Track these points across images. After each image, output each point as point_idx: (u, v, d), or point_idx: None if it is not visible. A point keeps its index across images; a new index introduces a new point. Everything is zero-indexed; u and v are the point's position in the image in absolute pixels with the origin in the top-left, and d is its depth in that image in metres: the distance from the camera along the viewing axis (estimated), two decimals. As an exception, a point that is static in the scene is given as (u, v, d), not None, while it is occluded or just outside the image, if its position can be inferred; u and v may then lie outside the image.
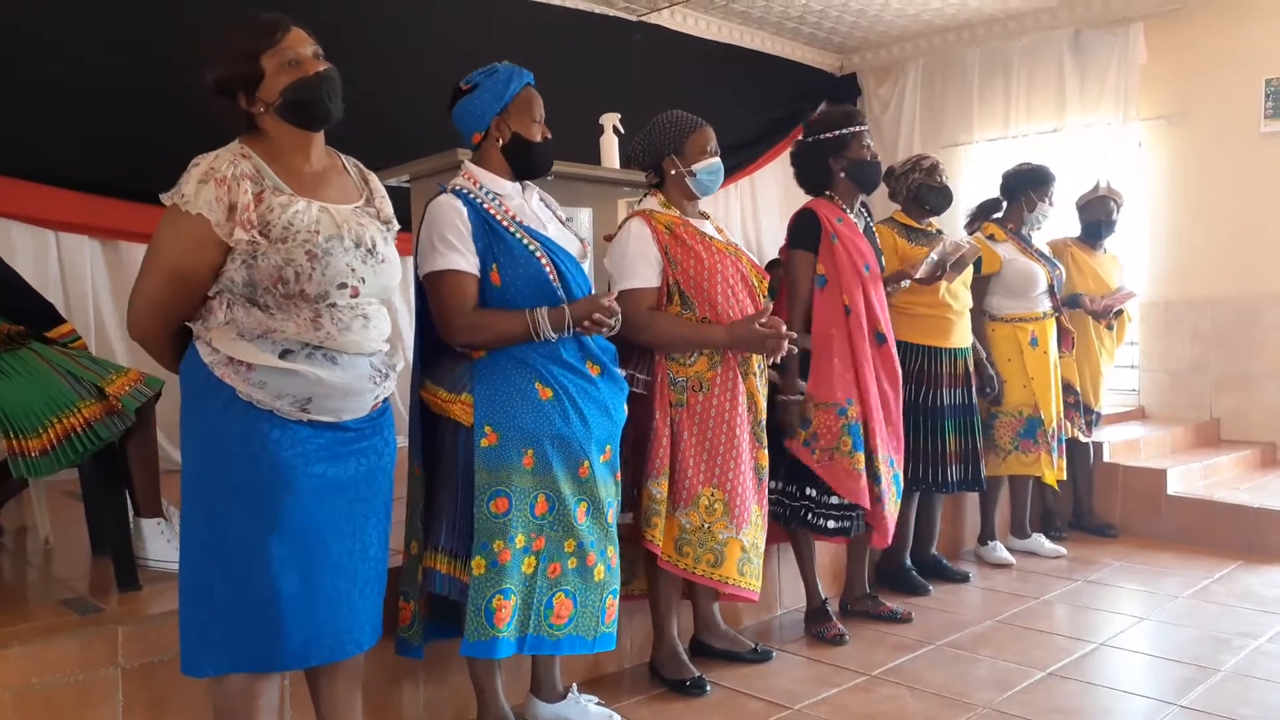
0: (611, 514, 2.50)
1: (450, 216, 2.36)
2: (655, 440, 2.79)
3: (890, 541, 3.43)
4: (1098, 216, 4.79)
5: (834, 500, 3.27)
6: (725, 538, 2.83)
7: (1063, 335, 4.48)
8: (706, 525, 2.82)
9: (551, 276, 2.39)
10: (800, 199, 3.52)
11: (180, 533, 1.98)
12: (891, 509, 3.36)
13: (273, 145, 1.94)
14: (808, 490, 3.29)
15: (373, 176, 2.12)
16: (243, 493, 1.89)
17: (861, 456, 3.23)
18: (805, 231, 3.33)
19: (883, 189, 3.86)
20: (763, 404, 2.94)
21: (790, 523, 3.34)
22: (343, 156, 2.10)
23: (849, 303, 3.27)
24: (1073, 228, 4.94)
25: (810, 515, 3.29)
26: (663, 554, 2.81)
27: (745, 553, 2.86)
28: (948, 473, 3.86)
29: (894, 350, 3.39)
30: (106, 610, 2.33)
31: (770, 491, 3.27)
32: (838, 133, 3.33)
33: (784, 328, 2.80)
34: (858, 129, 3.33)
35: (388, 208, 2.09)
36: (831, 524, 3.28)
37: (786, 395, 3.24)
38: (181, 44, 4.16)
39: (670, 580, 2.93)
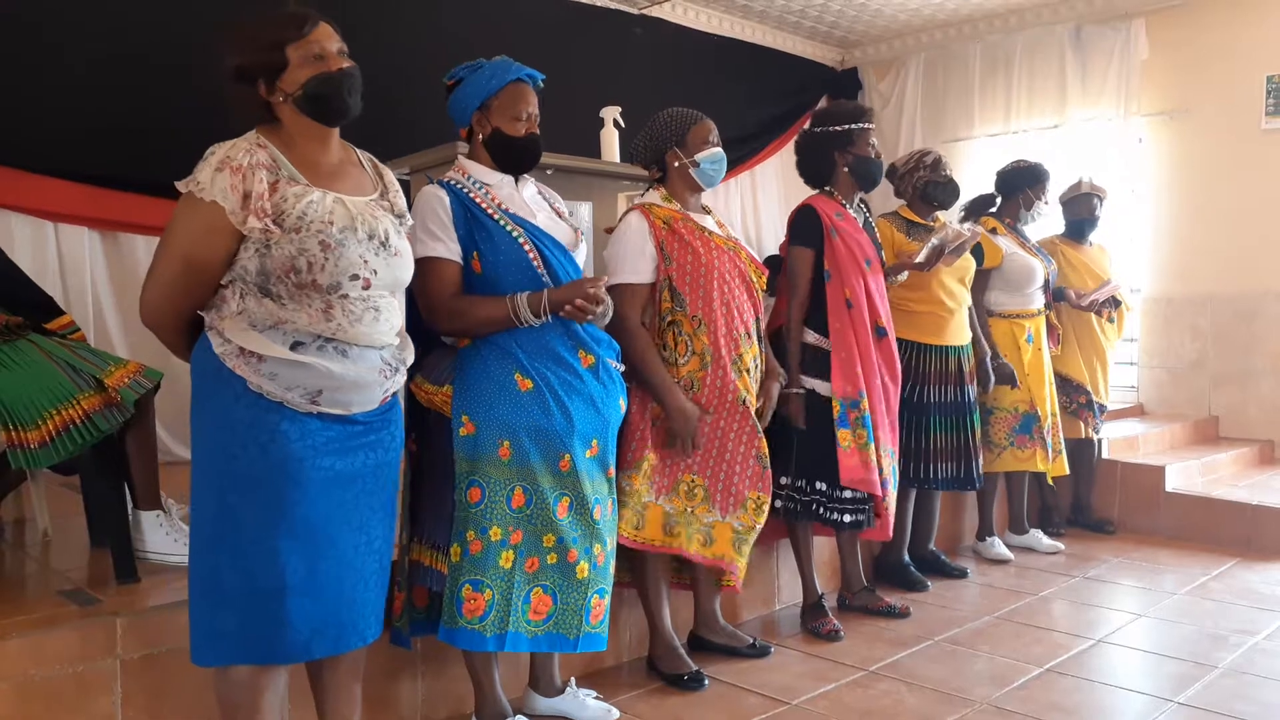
0: (599, 510, 2.46)
1: (432, 205, 2.38)
2: (630, 433, 2.78)
3: (892, 534, 3.45)
4: (1080, 214, 4.78)
5: (846, 494, 3.28)
6: (710, 520, 2.85)
7: (1050, 330, 4.49)
8: (689, 509, 2.84)
9: (536, 263, 2.39)
10: (801, 193, 3.53)
11: (190, 523, 1.99)
12: (891, 501, 3.38)
13: (289, 136, 1.96)
14: (818, 485, 3.29)
15: (387, 171, 2.13)
16: (251, 484, 1.89)
17: (874, 448, 3.26)
18: (806, 228, 3.35)
19: (886, 186, 3.87)
20: (754, 394, 2.93)
21: (801, 518, 3.34)
22: (358, 151, 2.11)
23: (850, 296, 3.29)
24: (1057, 225, 4.91)
25: (823, 510, 3.30)
26: (653, 541, 2.81)
27: (738, 534, 2.88)
28: (937, 469, 3.87)
29: (894, 344, 3.40)
30: (105, 602, 2.33)
31: (781, 487, 3.29)
32: (845, 127, 3.35)
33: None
34: (865, 126, 3.36)
35: (401, 201, 2.09)
36: (847, 518, 3.30)
37: (789, 389, 3.24)
38: (182, 36, 4.18)
39: (655, 573, 2.93)
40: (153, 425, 2.73)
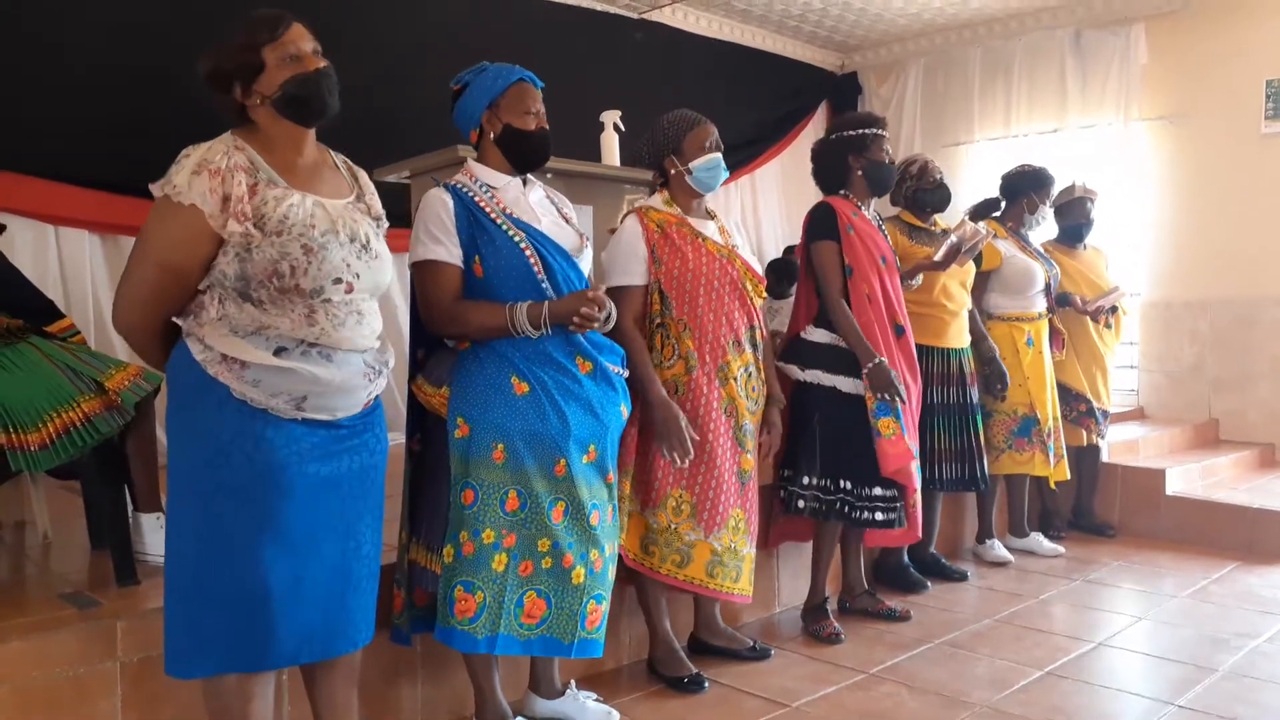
0: (597, 516, 2.44)
1: (435, 208, 2.38)
2: (620, 439, 2.77)
3: (920, 535, 3.45)
4: (1077, 219, 4.74)
5: (875, 491, 3.29)
6: (692, 539, 2.83)
7: (1053, 335, 4.49)
8: (673, 526, 2.83)
9: (536, 269, 2.38)
10: (800, 196, 3.58)
11: (167, 532, 1.95)
12: (917, 500, 3.39)
13: (265, 138, 1.94)
14: (843, 484, 3.30)
15: (361, 173, 2.12)
16: (236, 492, 1.87)
17: (907, 439, 3.28)
18: (824, 223, 3.38)
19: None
20: (745, 408, 2.92)
21: (829, 518, 3.34)
22: (332, 152, 2.09)
23: (869, 292, 3.32)
24: (1049, 230, 4.88)
25: (850, 509, 3.29)
26: (628, 552, 2.82)
27: (716, 555, 2.85)
28: (940, 470, 3.88)
29: (912, 342, 3.41)
30: (105, 605, 2.33)
31: (804, 488, 3.29)
32: (860, 131, 3.40)
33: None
34: (879, 132, 3.41)
35: (378, 204, 2.08)
36: (879, 515, 3.31)
37: (868, 363, 3.21)
38: (181, 40, 4.18)
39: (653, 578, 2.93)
40: (153, 428, 2.73)
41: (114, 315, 1.95)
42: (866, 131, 3.40)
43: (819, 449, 3.30)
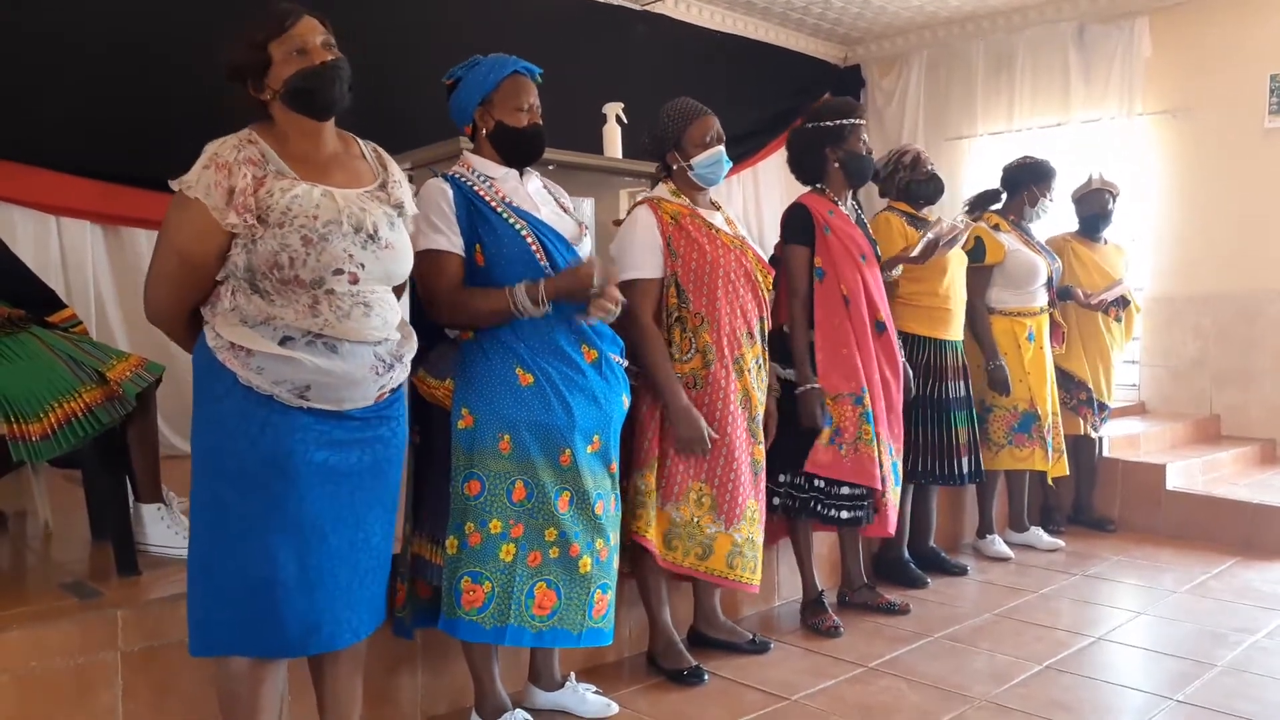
0: (601, 505, 2.46)
1: (435, 198, 2.38)
2: (641, 432, 2.80)
3: (894, 531, 3.46)
4: (1094, 210, 4.77)
5: (844, 490, 3.28)
6: (713, 532, 2.84)
7: (1053, 329, 4.49)
8: (695, 519, 2.83)
9: (538, 256, 2.38)
10: (802, 189, 3.52)
11: (190, 515, 1.99)
12: (893, 497, 3.39)
13: (282, 132, 1.96)
14: (816, 481, 3.29)
15: (391, 162, 2.12)
16: (242, 477, 1.89)
17: (876, 444, 3.27)
18: (798, 226, 3.35)
19: (871, 185, 3.87)
20: (758, 400, 2.94)
21: (800, 514, 3.34)
22: (361, 141, 2.11)
23: (847, 293, 3.28)
24: (1071, 222, 4.92)
25: (820, 506, 3.29)
26: (654, 545, 2.82)
27: (736, 547, 2.87)
28: (960, 465, 3.86)
29: (894, 338, 3.41)
30: (106, 595, 2.34)
31: (779, 485, 3.29)
32: (837, 122, 3.35)
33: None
34: (856, 122, 3.36)
35: (400, 192, 2.07)
36: (845, 514, 3.30)
37: (803, 385, 3.23)
38: (184, 33, 4.18)
39: (656, 569, 2.93)
40: (154, 418, 2.73)
41: (145, 304, 2.00)
42: (844, 123, 3.34)
43: (795, 446, 3.28)
